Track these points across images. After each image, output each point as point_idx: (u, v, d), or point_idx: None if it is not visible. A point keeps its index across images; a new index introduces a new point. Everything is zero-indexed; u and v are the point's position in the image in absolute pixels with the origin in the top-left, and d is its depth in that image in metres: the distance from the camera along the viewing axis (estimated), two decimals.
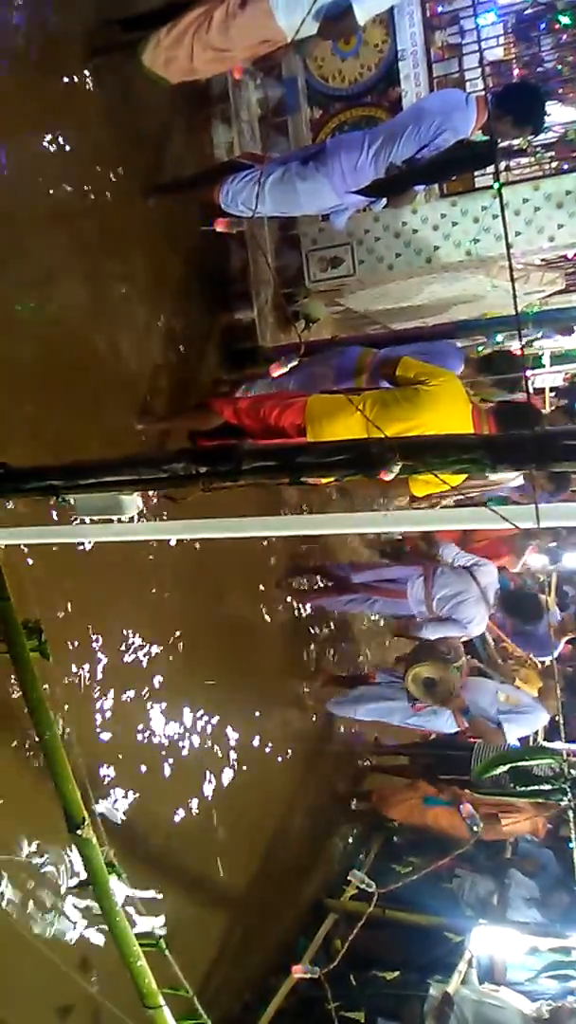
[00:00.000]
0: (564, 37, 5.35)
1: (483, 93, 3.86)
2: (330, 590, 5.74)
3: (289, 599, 5.51)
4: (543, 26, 5.42)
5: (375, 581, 5.49)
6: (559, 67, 5.47)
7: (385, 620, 7.01)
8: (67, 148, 3.82)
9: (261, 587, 5.18)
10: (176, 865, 4.13)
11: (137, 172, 4.25)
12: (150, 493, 3.63)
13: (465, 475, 2.18)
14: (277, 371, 4.03)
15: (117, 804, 3.75)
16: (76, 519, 2.27)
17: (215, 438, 3.97)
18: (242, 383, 4.56)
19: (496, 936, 4.80)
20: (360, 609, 5.80)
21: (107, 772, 3.76)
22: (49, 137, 3.73)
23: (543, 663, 6.26)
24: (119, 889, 2.55)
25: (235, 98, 4.84)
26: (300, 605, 5.66)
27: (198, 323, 4.68)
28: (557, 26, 5.37)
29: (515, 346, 5.03)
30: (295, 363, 4.04)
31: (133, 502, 2.16)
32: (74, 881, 3.29)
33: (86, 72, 3.95)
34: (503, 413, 3.64)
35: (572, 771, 2.21)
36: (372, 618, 6.76)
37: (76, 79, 3.92)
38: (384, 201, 4.09)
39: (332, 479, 1.97)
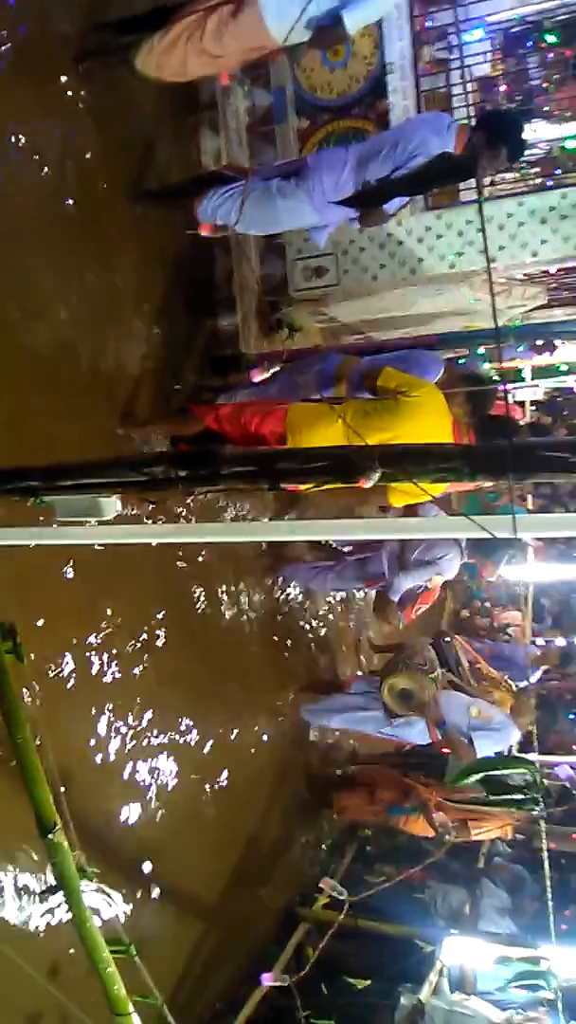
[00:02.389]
0: (550, 55, 5.42)
1: (466, 120, 3.90)
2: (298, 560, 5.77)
3: (264, 596, 5.50)
4: (530, 44, 5.49)
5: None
6: (545, 85, 5.54)
7: (358, 622, 7.03)
8: (55, 151, 3.81)
9: (236, 592, 5.17)
10: (147, 872, 4.10)
11: (124, 177, 4.26)
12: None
13: (445, 485, 2.20)
14: (258, 377, 4.04)
15: None
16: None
17: (196, 444, 3.98)
18: (224, 389, 4.57)
19: (467, 946, 4.81)
20: (326, 583, 5.78)
21: (79, 777, 3.74)
22: (38, 140, 3.72)
23: (518, 686, 6.32)
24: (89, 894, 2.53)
25: (223, 106, 4.85)
26: (273, 585, 5.65)
27: (182, 328, 4.68)
28: (543, 44, 5.44)
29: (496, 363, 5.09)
30: (276, 369, 4.06)
31: (112, 505, 2.15)
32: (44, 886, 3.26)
33: (77, 76, 3.95)
34: (483, 426, 3.67)
35: (544, 781, 2.23)
36: (334, 600, 6.71)
37: (67, 83, 3.92)
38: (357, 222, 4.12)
39: (312, 486, 1.98)
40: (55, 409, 3.70)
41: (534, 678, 6.89)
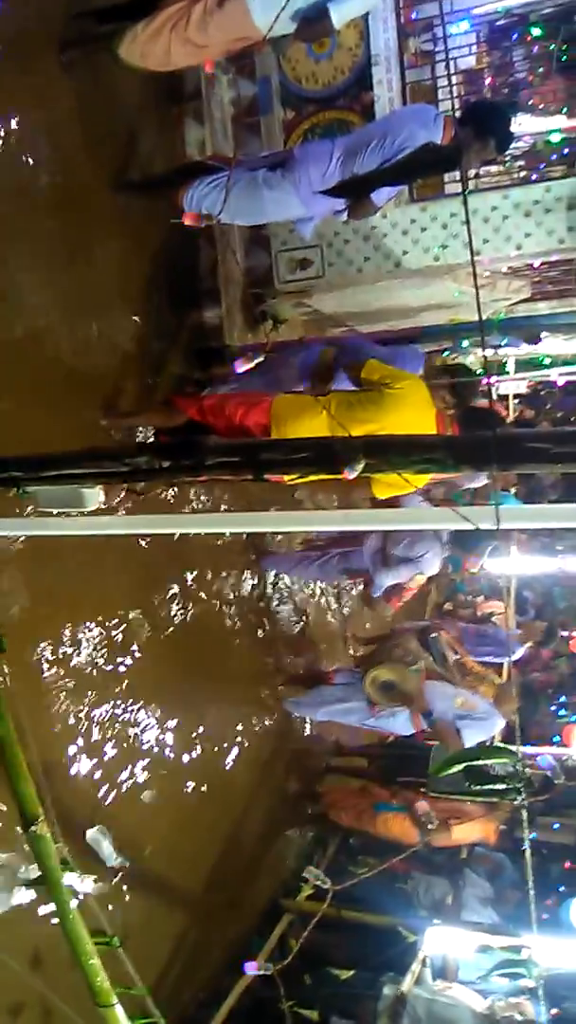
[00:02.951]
0: (536, 48, 5.42)
1: (452, 112, 3.90)
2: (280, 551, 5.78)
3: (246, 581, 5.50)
4: (515, 37, 5.48)
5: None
6: (530, 78, 5.54)
7: (342, 598, 7.05)
8: (38, 141, 3.79)
9: (221, 584, 5.17)
10: (132, 864, 4.10)
11: (108, 167, 4.24)
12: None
13: (428, 477, 2.21)
14: (242, 367, 4.04)
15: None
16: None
17: (178, 435, 3.96)
18: (208, 382, 4.56)
19: (450, 936, 4.84)
20: (309, 572, 5.78)
21: (62, 770, 3.73)
22: (20, 129, 3.69)
23: (500, 672, 6.36)
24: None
25: (208, 96, 4.83)
26: (256, 576, 5.65)
27: (165, 320, 4.67)
28: (529, 37, 5.44)
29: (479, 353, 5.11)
30: (260, 360, 4.05)
31: (95, 495, 2.14)
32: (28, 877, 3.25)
33: (60, 64, 3.92)
34: (467, 418, 3.68)
35: (526, 771, 2.24)
36: (320, 590, 6.71)
37: (50, 71, 3.89)
38: (345, 214, 4.11)
39: (295, 476, 1.98)
40: (38, 401, 3.68)
41: (517, 654, 6.96)
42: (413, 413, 3.52)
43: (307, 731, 6.13)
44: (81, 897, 2.64)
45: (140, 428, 4.28)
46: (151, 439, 4.28)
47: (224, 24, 3.66)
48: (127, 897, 4.04)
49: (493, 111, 3.85)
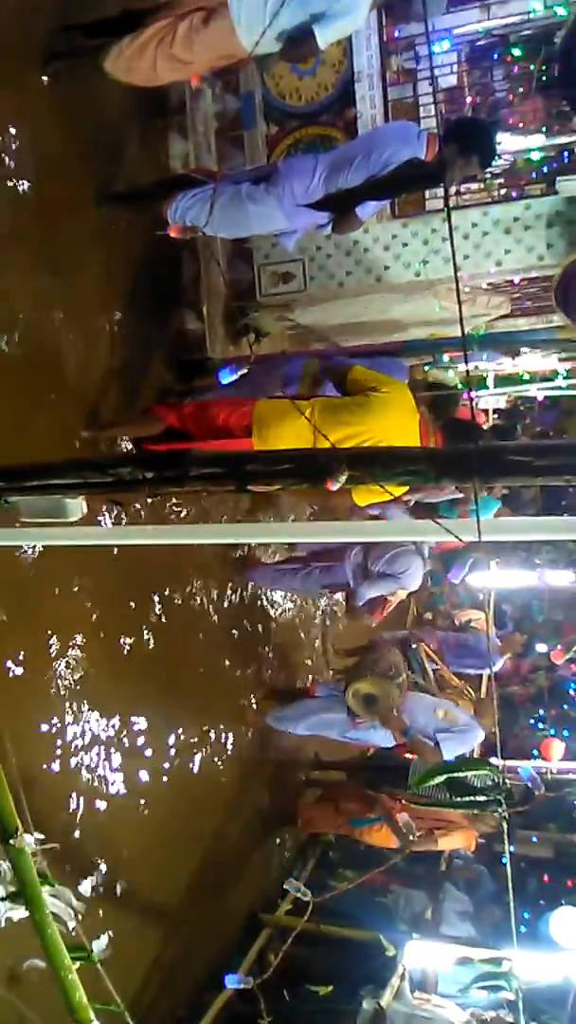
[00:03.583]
0: (516, 69, 5.51)
1: (435, 129, 3.95)
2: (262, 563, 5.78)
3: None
4: (496, 57, 5.57)
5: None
6: (510, 97, 5.62)
7: (325, 615, 7.05)
8: (22, 152, 3.79)
9: (199, 595, 5.15)
10: (110, 878, 4.07)
11: (91, 178, 4.24)
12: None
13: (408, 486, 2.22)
14: (225, 380, 4.05)
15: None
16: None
17: (160, 444, 3.95)
18: (190, 393, 4.56)
19: (429, 950, 4.83)
20: (291, 584, 5.79)
21: (41, 782, 3.70)
22: (4, 140, 3.69)
23: (478, 686, 6.38)
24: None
25: (192, 110, 4.85)
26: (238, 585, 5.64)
27: (148, 332, 4.67)
28: (509, 58, 5.53)
29: (460, 367, 5.15)
30: (244, 372, 4.07)
31: (78, 506, 2.14)
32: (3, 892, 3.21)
33: (45, 76, 3.93)
34: (450, 428, 3.71)
35: (507, 783, 2.26)
36: (305, 607, 6.70)
37: (35, 83, 3.90)
38: (330, 228, 4.15)
39: (279, 487, 1.98)
40: (19, 412, 3.66)
41: (498, 665, 6.99)
42: (398, 418, 3.53)
43: (287, 745, 6.11)
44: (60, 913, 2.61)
45: (122, 439, 4.27)
46: (132, 450, 4.28)
47: (209, 41, 3.69)
48: (105, 912, 4.00)
49: (477, 128, 3.90)
